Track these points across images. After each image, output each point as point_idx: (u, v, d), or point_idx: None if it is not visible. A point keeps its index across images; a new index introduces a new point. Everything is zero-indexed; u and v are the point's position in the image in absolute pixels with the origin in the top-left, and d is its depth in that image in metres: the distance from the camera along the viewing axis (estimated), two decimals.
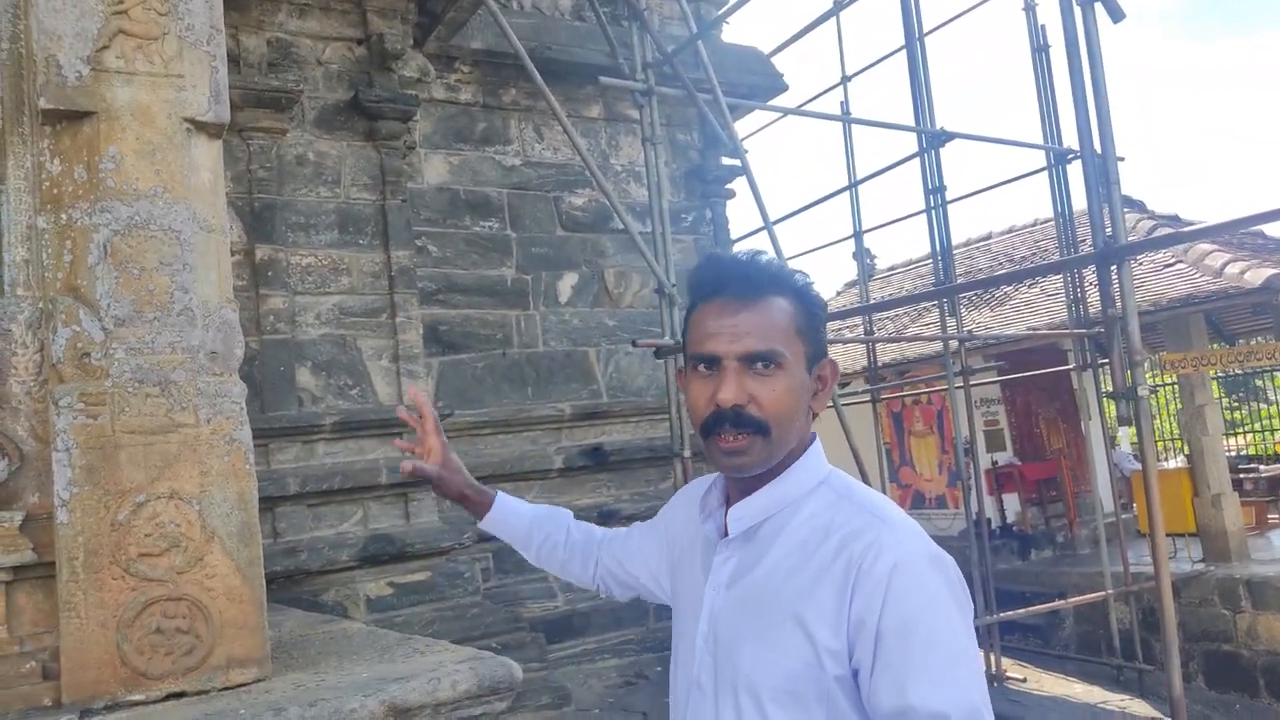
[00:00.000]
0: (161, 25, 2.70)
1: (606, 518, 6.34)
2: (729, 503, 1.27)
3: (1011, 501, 10.62)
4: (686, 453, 5.39)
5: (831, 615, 1.09)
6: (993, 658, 7.13)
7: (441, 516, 5.78)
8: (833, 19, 7.77)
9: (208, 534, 2.53)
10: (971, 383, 7.43)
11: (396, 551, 5.43)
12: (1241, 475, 11.38)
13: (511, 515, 1.68)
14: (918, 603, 1.07)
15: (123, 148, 2.61)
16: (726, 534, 1.25)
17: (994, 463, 10.55)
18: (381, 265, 5.83)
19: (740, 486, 1.24)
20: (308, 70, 5.75)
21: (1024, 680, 7.55)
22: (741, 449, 1.16)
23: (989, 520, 8.99)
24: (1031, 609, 7.66)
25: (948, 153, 8.40)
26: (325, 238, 5.69)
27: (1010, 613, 7.27)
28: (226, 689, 2.51)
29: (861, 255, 9.07)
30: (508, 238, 6.87)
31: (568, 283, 7.09)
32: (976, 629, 7.10)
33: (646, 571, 1.52)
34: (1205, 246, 8.56)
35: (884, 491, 8.51)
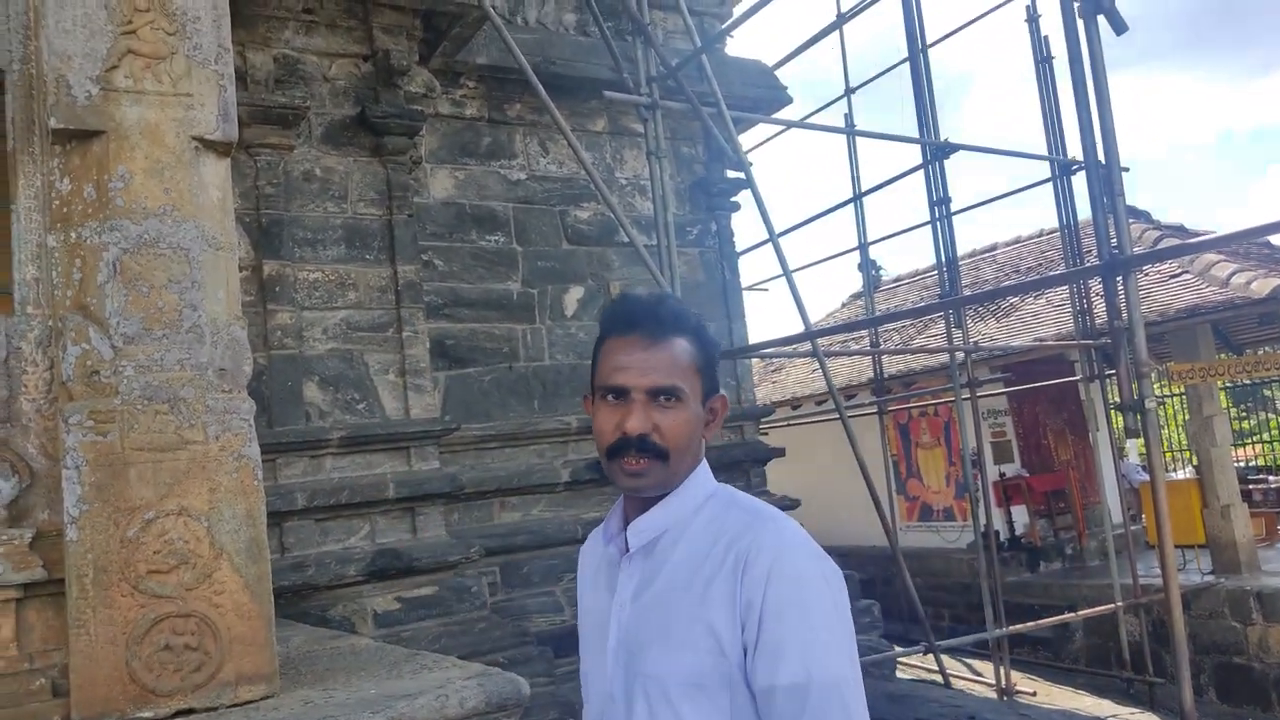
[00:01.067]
0: (170, 45, 2.72)
1: None
2: (628, 524, 1.38)
3: (1020, 513, 10.58)
4: None
5: (726, 606, 1.22)
6: (1002, 671, 7.10)
7: (450, 530, 5.78)
8: (836, 32, 7.80)
9: (216, 550, 2.54)
10: (978, 394, 7.41)
11: (404, 566, 5.43)
12: (1250, 486, 11.34)
13: None
14: (793, 588, 1.20)
15: (132, 167, 2.63)
16: (628, 551, 1.36)
17: (1002, 474, 10.52)
18: (388, 280, 5.85)
19: (638, 507, 1.36)
20: (314, 87, 5.78)
21: (1034, 694, 7.52)
22: (643, 471, 1.29)
23: (997, 532, 8.96)
24: (1040, 622, 7.64)
25: (952, 164, 8.42)
26: (332, 253, 5.71)
27: (1019, 626, 7.24)
28: (235, 706, 2.51)
29: (867, 267, 9.09)
30: (513, 251, 6.89)
31: (573, 296, 7.10)
32: (986, 643, 7.10)
33: None
34: (1211, 257, 8.56)
35: (891, 504, 8.51)
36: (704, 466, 1.37)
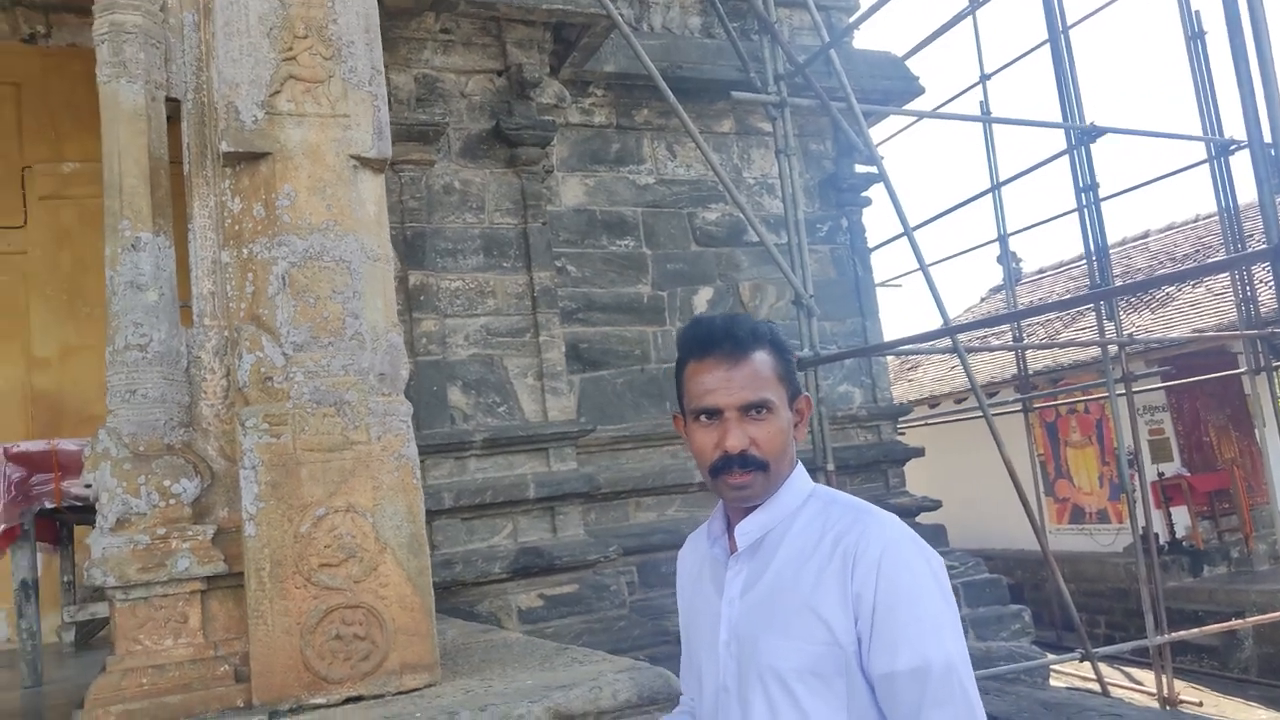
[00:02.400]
0: (327, 69, 2.89)
1: None
2: (730, 527, 1.44)
3: (1180, 515, 10.00)
4: (830, 465, 5.33)
5: (837, 598, 1.28)
6: (1164, 680, 6.71)
7: (587, 530, 5.90)
8: (969, 17, 7.56)
9: (381, 545, 2.68)
10: (1134, 390, 7.04)
11: (545, 564, 5.57)
12: None
13: None
14: (904, 579, 1.26)
15: (296, 185, 2.80)
16: (734, 552, 1.43)
17: (1160, 474, 9.97)
18: (524, 286, 6.02)
19: (740, 511, 1.42)
20: (452, 103, 6.01)
21: (1200, 704, 7.08)
22: (747, 484, 1.36)
23: (1156, 535, 8.49)
24: (1205, 629, 7.19)
25: (1098, 148, 8.00)
26: (472, 262, 5.92)
27: (1182, 632, 6.84)
28: (400, 693, 2.64)
29: (1007, 259, 8.75)
30: (643, 255, 6.97)
31: (703, 297, 7.13)
32: (1145, 650, 6.73)
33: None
34: None
35: (1039, 506, 8.17)
36: (800, 468, 1.44)
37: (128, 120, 2.88)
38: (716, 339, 1.38)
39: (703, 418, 1.37)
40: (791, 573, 1.33)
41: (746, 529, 1.40)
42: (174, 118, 3.06)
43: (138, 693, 2.56)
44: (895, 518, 1.35)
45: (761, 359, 1.38)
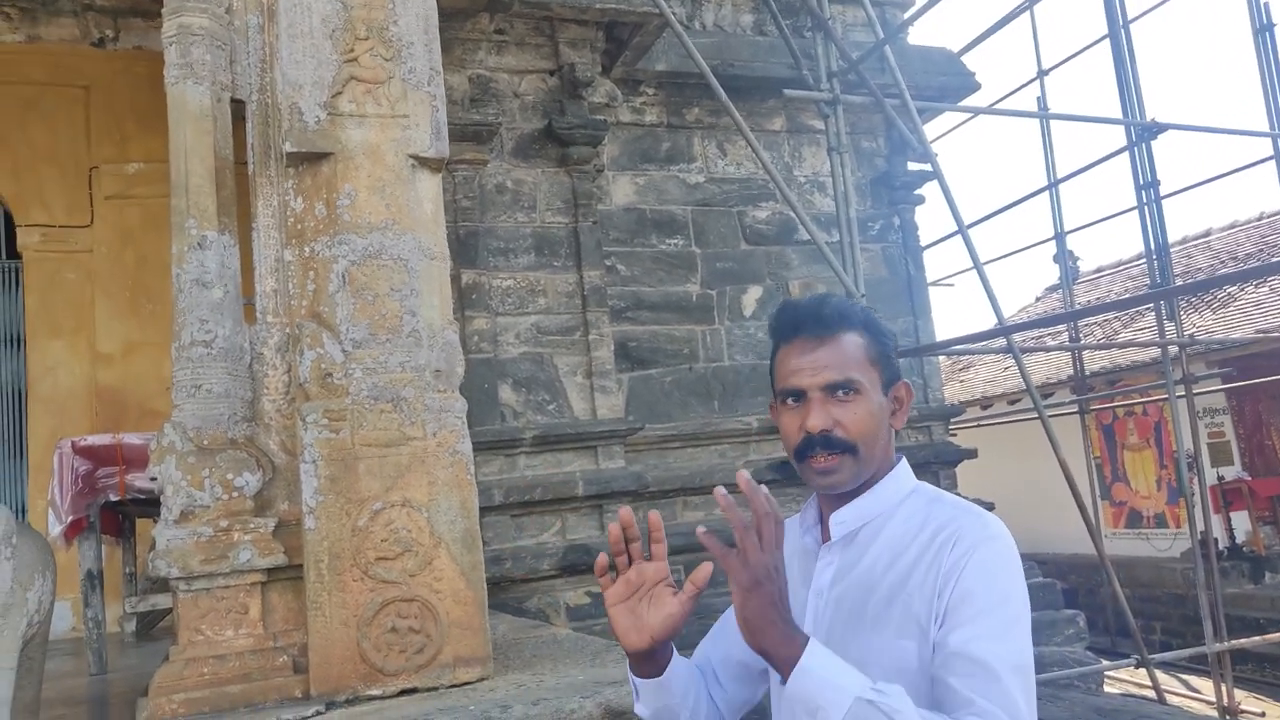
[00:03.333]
0: (387, 70, 2.93)
1: None
2: (824, 517, 1.40)
3: (1241, 520, 9.74)
4: None
5: (928, 588, 1.24)
6: (1224, 689, 6.55)
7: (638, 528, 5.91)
8: (1027, 12, 7.44)
9: (435, 539, 2.71)
10: (1194, 392, 6.87)
11: (593, 561, 5.59)
12: None
13: (670, 686, 1.46)
14: (995, 570, 1.23)
15: (357, 184, 2.85)
16: (826, 540, 1.38)
17: (1220, 478, 9.72)
18: (575, 285, 6.05)
19: (832, 502, 1.37)
20: (505, 103, 6.06)
21: (1263, 715, 6.91)
22: (833, 468, 1.31)
23: (1216, 540, 8.28)
24: (1267, 637, 6.99)
25: (1159, 145, 7.79)
26: (523, 260, 5.97)
27: (1242, 640, 6.67)
28: (454, 686, 2.67)
29: (1064, 258, 8.59)
30: (692, 254, 6.96)
31: (752, 296, 7.10)
32: (1203, 657, 6.58)
33: (734, 642, 1.50)
34: None
35: (1096, 509, 8.02)
36: (905, 464, 1.39)
37: (194, 121, 2.95)
38: (803, 320, 1.35)
39: (789, 400, 1.34)
40: (885, 564, 1.29)
41: (843, 517, 1.35)
42: (239, 118, 3.12)
43: (199, 682, 2.62)
44: (999, 522, 1.31)
45: (850, 339, 1.34)
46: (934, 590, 1.24)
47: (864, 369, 1.32)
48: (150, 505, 3.73)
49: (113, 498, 3.90)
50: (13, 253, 5.97)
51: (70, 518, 3.73)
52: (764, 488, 1.22)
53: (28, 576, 2.54)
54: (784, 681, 1.16)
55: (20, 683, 2.62)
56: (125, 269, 5.94)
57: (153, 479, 2.85)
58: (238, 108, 3.11)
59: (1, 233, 6.05)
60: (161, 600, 4.34)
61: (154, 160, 5.38)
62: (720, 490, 1.22)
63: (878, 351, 1.35)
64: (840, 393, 1.30)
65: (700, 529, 1.24)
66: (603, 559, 1.38)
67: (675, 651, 1.44)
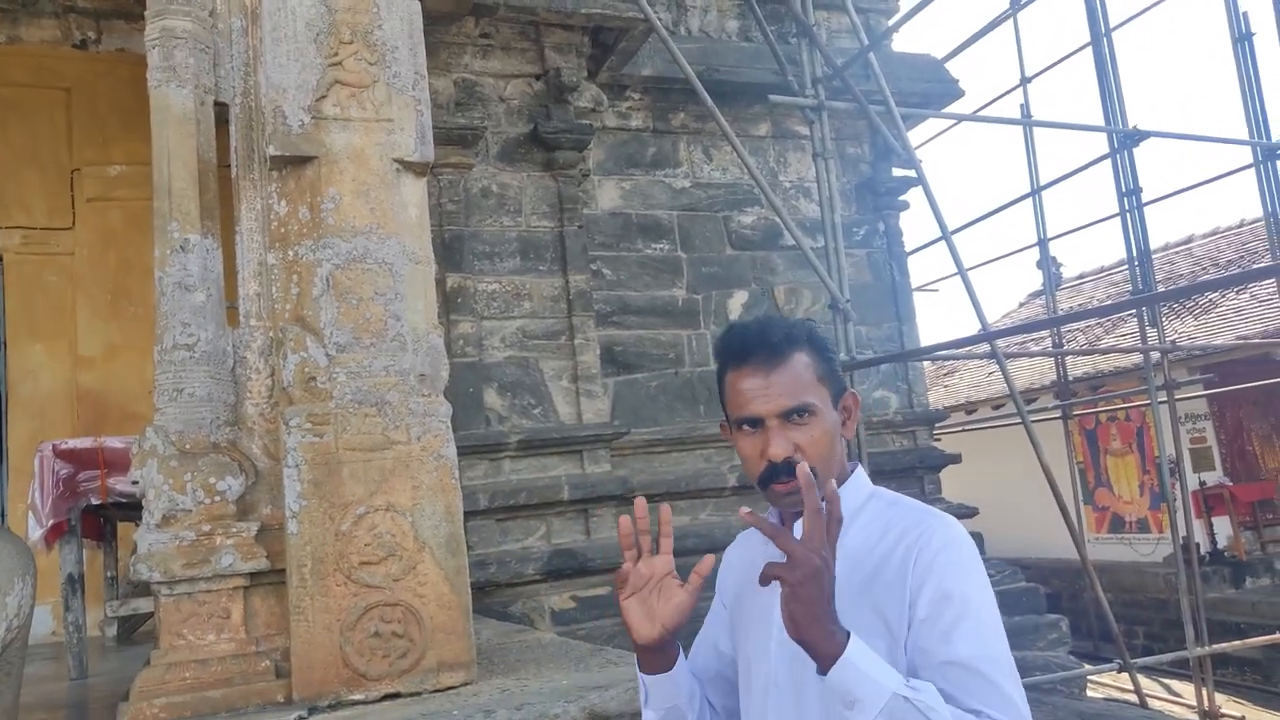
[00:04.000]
0: (372, 74, 2.93)
1: None
2: (786, 525, 1.39)
3: (1222, 525, 9.82)
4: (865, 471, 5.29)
5: (896, 593, 1.26)
6: (1204, 693, 6.59)
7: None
8: (1010, 19, 7.48)
9: (419, 544, 2.71)
10: (1175, 397, 6.93)
11: (578, 566, 5.59)
12: None
13: (677, 684, 1.47)
14: (962, 573, 1.26)
15: (341, 188, 2.84)
16: None
17: (1202, 483, 9.80)
18: (560, 289, 6.05)
19: (795, 513, 1.34)
20: (491, 107, 6.06)
21: (1243, 718, 6.95)
22: (796, 489, 1.28)
23: (1197, 545, 8.35)
24: (1248, 641, 7.05)
25: (1141, 152, 7.84)
26: (508, 265, 5.96)
27: (1224, 645, 6.72)
28: (437, 691, 2.66)
29: (1047, 264, 8.64)
30: (678, 259, 6.97)
31: (738, 301, 7.12)
32: (1185, 661, 6.62)
33: (721, 647, 1.55)
34: None
35: (1078, 514, 8.07)
36: (860, 470, 1.41)
37: (177, 124, 2.94)
38: (751, 346, 1.36)
39: (745, 427, 1.36)
40: (849, 568, 1.29)
41: None
42: (222, 121, 3.11)
43: (181, 686, 2.61)
44: (960, 523, 1.34)
45: (800, 361, 1.35)
46: (905, 593, 1.26)
47: (816, 389, 1.35)
48: (132, 509, 3.70)
49: (94, 501, 3.87)
50: None
51: (51, 521, 3.70)
52: (831, 482, 1.23)
53: (6, 581, 2.52)
54: (823, 672, 1.18)
55: None
56: (107, 272, 5.90)
57: (134, 482, 2.83)
58: (221, 111, 3.10)
59: None
60: (143, 604, 4.31)
61: (136, 163, 5.34)
62: (805, 469, 1.21)
63: (825, 368, 1.37)
64: (796, 416, 1.33)
65: (743, 509, 1.26)
66: (624, 570, 1.39)
67: (681, 651, 1.47)
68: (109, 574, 4.91)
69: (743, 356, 1.37)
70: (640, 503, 1.42)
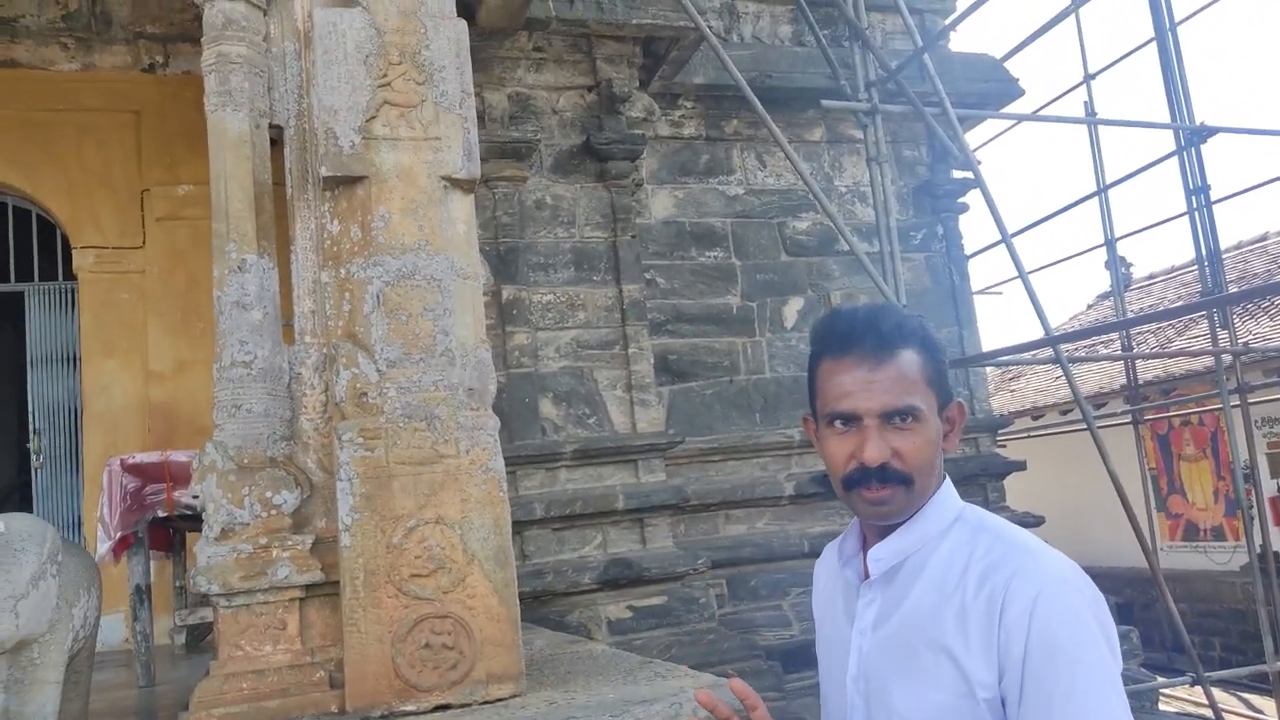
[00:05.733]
0: (420, 94, 2.98)
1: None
2: (865, 546, 1.29)
3: None
4: None
5: (980, 646, 1.12)
6: None
7: (676, 542, 5.90)
8: (1072, 16, 7.31)
9: (469, 556, 2.74)
10: (1251, 401, 6.69)
11: (634, 575, 5.59)
12: None
13: None
14: (1061, 627, 1.09)
15: (390, 207, 2.90)
16: (867, 577, 1.28)
17: None
18: (614, 299, 6.08)
19: (877, 530, 1.27)
20: (544, 120, 6.12)
21: None
22: (885, 499, 1.21)
23: (1277, 554, 8.02)
24: None
25: (1211, 149, 7.60)
26: (563, 275, 6.01)
27: None
28: (487, 703, 2.68)
29: (1115, 265, 8.40)
30: (732, 266, 6.95)
31: (793, 308, 7.07)
32: (1264, 676, 6.37)
33: None
34: None
35: (1151, 522, 7.83)
36: (948, 485, 1.27)
37: (233, 147, 3.02)
38: (857, 334, 1.22)
39: (838, 424, 1.22)
40: (929, 608, 1.18)
41: (880, 554, 1.25)
42: (277, 142, 3.19)
43: (238, 697, 2.67)
44: (1056, 554, 1.17)
45: (909, 359, 1.21)
46: (991, 652, 1.12)
47: (923, 392, 1.21)
48: (198, 520, 3.81)
49: (160, 514, 4.00)
50: (69, 274, 6.16)
51: (118, 534, 3.83)
52: (748, 700, 1.18)
53: (73, 593, 2.62)
54: None
55: (67, 695, 2.69)
56: (176, 289, 6.09)
57: (194, 496, 2.91)
58: (276, 132, 3.18)
59: (59, 254, 6.23)
60: (209, 613, 4.43)
61: (203, 182, 5.48)
62: (703, 693, 1.20)
63: (934, 370, 1.23)
64: (898, 419, 1.19)
65: (699, 691, 1.20)
66: None
67: None
68: (177, 584, 5.06)
69: (845, 345, 1.22)
70: (705, 696, 1.23)
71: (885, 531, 1.26)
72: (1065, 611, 1.10)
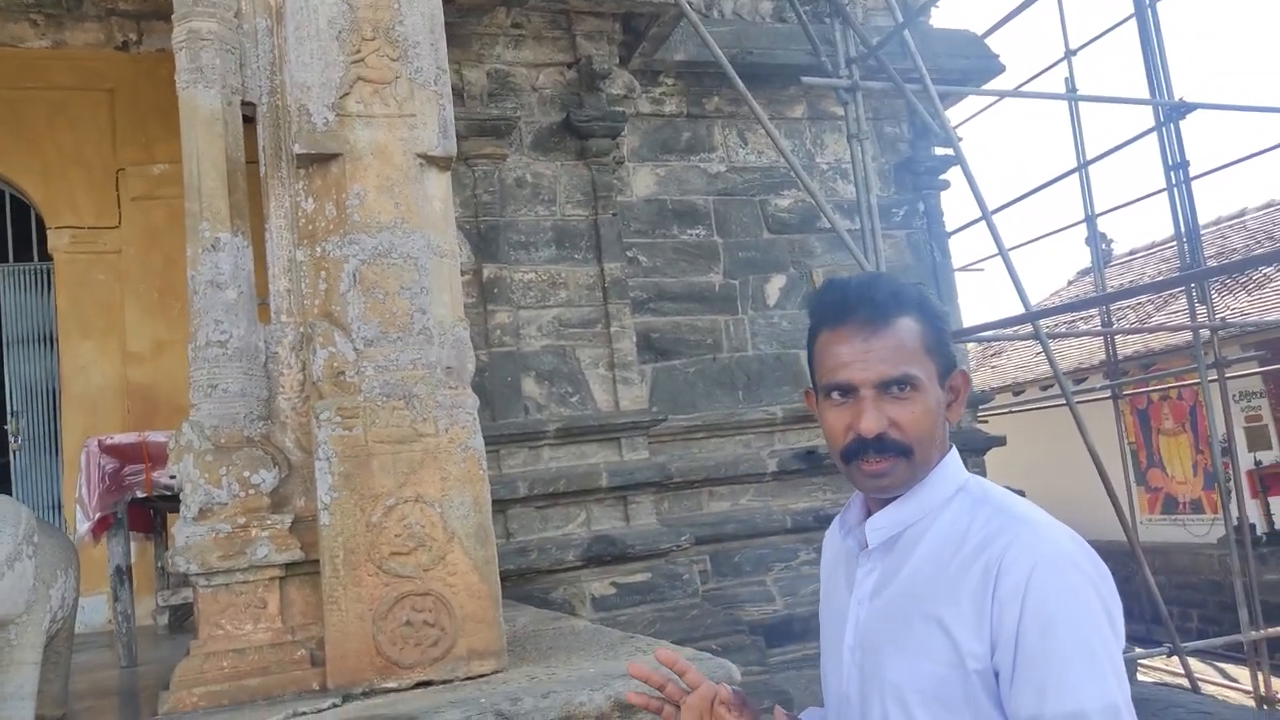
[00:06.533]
0: (394, 70, 2.95)
1: (823, 521, 6.26)
2: (868, 516, 1.28)
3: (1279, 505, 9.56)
4: None
5: (973, 618, 1.10)
6: (1260, 677, 6.45)
7: (660, 519, 5.92)
8: None
9: (449, 534, 2.74)
10: (1228, 375, 6.75)
11: (618, 552, 5.61)
12: None
13: None
14: (1057, 602, 1.06)
15: (365, 184, 2.88)
16: (867, 546, 1.27)
17: (1257, 462, 9.54)
18: (595, 278, 6.06)
19: (880, 501, 1.25)
20: (523, 97, 6.07)
21: None
22: (885, 471, 1.18)
23: (1253, 526, 8.14)
24: None
25: (1190, 125, 7.62)
26: (544, 254, 5.99)
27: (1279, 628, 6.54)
28: (468, 679, 2.70)
29: (1095, 240, 8.44)
30: (714, 244, 6.94)
31: (775, 285, 7.07)
32: (1239, 645, 6.48)
33: None
34: None
35: (1130, 496, 7.92)
36: (953, 455, 1.24)
37: (205, 125, 2.99)
38: (852, 304, 1.20)
39: (835, 395, 1.20)
40: (925, 578, 1.16)
41: (879, 524, 1.23)
42: (250, 120, 3.16)
43: (219, 675, 2.67)
44: (1057, 525, 1.13)
45: (907, 326, 1.19)
46: (985, 624, 1.09)
47: (921, 361, 1.18)
48: (177, 501, 3.79)
49: (140, 494, 3.98)
50: (44, 255, 6.09)
51: (97, 515, 3.82)
52: (677, 666, 1.23)
53: (50, 574, 2.61)
54: None
55: (46, 676, 2.69)
56: (153, 269, 6.04)
57: (172, 477, 2.90)
58: (249, 109, 3.15)
59: (33, 235, 6.17)
60: (191, 594, 4.42)
61: (178, 161, 5.44)
62: (634, 665, 1.28)
63: (934, 338, 1.21)
64: (896, 389, 1.17)
65: (630, 664, 1.27)
66: (640, 698, 1.33)
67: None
68: (159, 564, 5.05)
69: (841, 315, 1.21)
70: (634, 668, 1.32)
71: (887, 502, 1.24)
72: (1062, 587, 1.07)
